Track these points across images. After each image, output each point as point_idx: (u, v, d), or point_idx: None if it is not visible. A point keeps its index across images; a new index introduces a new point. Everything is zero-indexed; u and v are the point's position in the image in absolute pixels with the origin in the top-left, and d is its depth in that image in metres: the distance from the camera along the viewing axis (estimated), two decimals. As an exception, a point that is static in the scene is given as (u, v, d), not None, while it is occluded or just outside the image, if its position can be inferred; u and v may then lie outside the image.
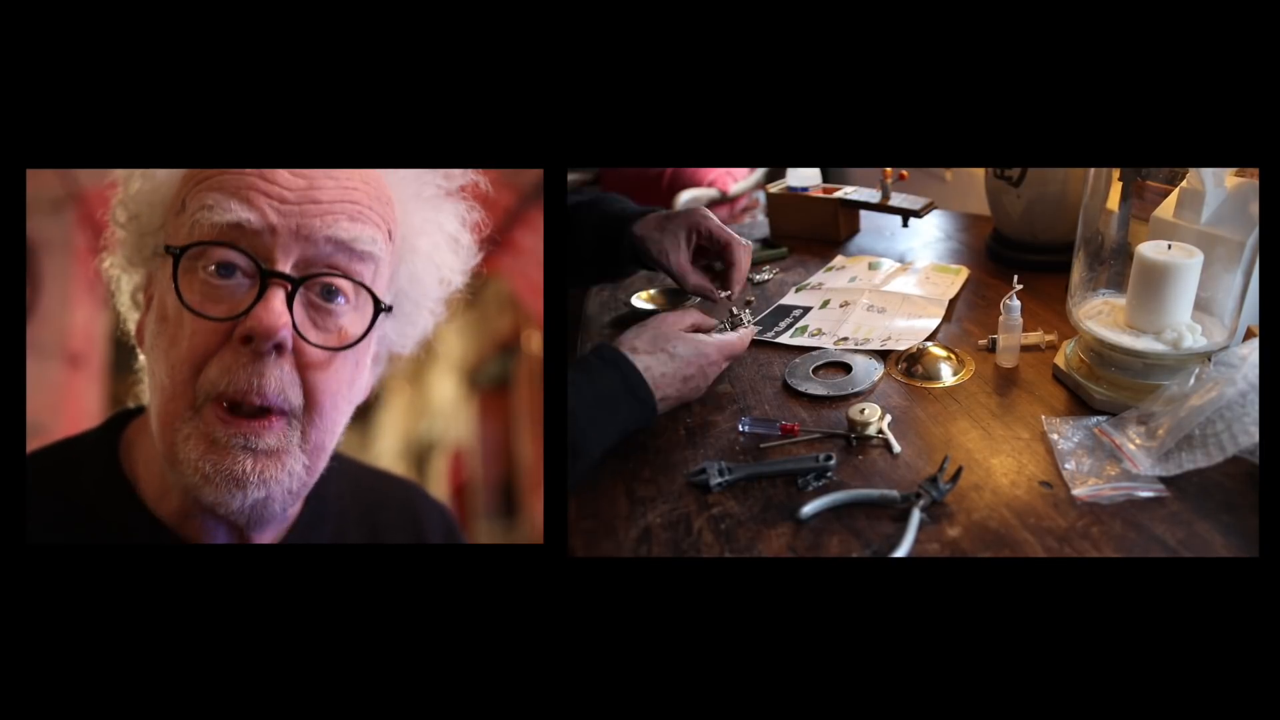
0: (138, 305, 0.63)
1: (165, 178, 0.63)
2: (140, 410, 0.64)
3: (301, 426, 0.59)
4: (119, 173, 0.65)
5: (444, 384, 3.26)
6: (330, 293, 0.59)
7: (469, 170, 0.70)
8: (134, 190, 0.62)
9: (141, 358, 0.64)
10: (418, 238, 0.66)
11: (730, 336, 1.09)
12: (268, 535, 0.68)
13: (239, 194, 0.57)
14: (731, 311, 1.30)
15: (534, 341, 2.44)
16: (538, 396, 2.44)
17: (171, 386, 0.56)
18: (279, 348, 0.56)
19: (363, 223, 0.60)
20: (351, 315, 0.60)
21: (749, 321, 1.30)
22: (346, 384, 0.61)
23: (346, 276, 0.60)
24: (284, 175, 0.59)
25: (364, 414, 0.71)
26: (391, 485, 0.78)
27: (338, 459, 0.68)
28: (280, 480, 0.58)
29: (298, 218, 0.57)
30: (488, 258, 0.68)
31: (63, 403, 2.10)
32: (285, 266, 0.57)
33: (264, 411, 0.57)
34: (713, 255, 1.28)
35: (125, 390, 0.64)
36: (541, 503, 2.03)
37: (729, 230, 1.27)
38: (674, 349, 1.02)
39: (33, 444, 0.67)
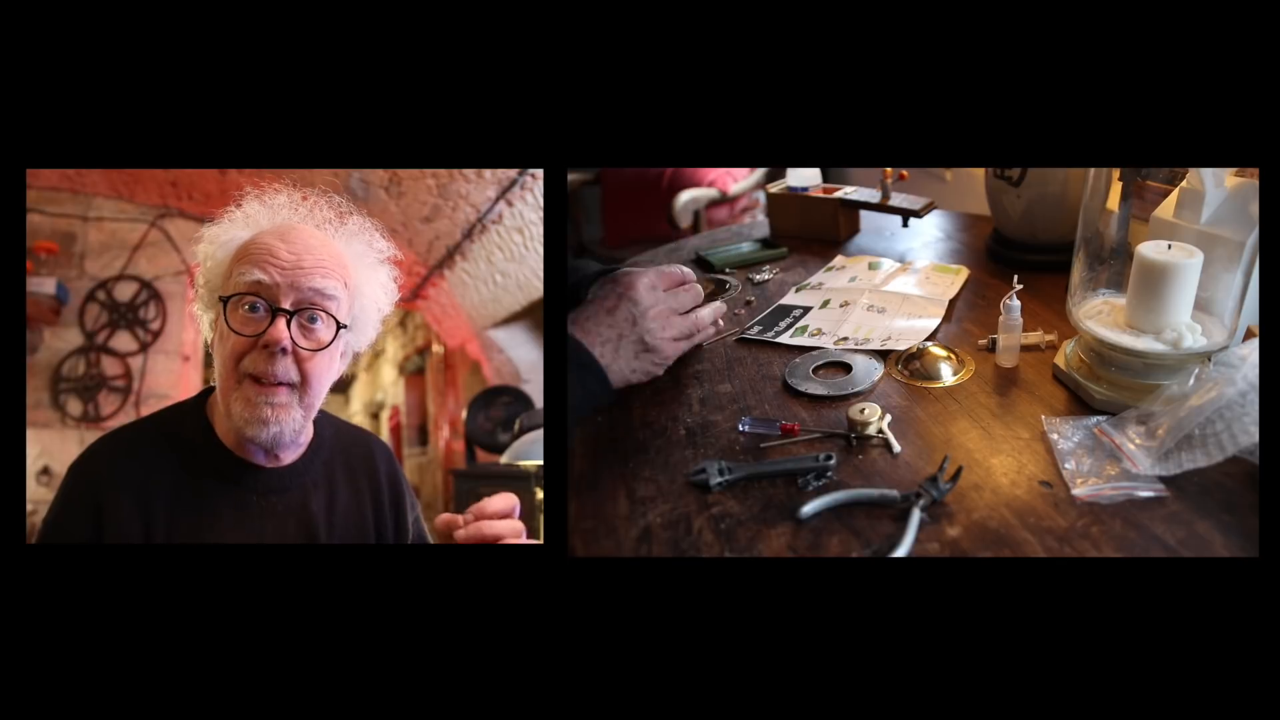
0: (212, 329, 1.01)
1: (223, 257, 0.99)
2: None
3: (300, 393, 0.97)
4: (199, 255, 1.01)
5: (387, 372, 5.83)
6: (312, 318, 0.96)
7: (391, 246, 1.08)
8: (207, 266, 1.01)
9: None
10: (364, 285, 1.04)
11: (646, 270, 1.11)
12: (289, 456, 1.04)
13: (259, 264, 0.94)
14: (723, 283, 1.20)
15: (435, 349, 4.64)
16: (438, 379, 4.66)
17: (225, 371, 0.95)
18: (283, 350, 0.94)
19: (328, 278, 0.97)
20: (325, 331, 0.98)
21: (731, 286, 1.20)
22: (325, 370, 0.99)
23: (321, 309, 0.97)
24: (283, 251, 0.95)
25: (344, 388, 1.39)
26: (356, 430, 1.19)
27: (327, 415, 1.08)
28: (286, 421, 0.95)
29: (292, 277, 0.95)
30: (411, 303, 1.26)
31: (180, 382, 3.86)
32: (285, 304, 0.94)
33: (277, 383, 0.94)
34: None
35: (209, 376, 1.04)
36: (441, 437, 4.62)
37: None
38: (598, 291, 1.08)
39: (164, 405, 1.15)
